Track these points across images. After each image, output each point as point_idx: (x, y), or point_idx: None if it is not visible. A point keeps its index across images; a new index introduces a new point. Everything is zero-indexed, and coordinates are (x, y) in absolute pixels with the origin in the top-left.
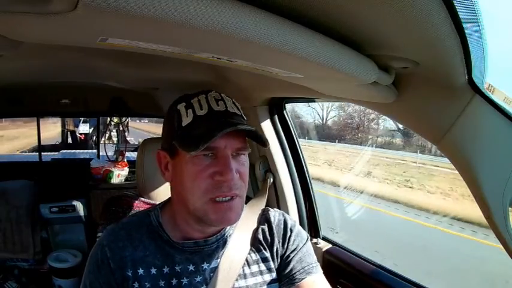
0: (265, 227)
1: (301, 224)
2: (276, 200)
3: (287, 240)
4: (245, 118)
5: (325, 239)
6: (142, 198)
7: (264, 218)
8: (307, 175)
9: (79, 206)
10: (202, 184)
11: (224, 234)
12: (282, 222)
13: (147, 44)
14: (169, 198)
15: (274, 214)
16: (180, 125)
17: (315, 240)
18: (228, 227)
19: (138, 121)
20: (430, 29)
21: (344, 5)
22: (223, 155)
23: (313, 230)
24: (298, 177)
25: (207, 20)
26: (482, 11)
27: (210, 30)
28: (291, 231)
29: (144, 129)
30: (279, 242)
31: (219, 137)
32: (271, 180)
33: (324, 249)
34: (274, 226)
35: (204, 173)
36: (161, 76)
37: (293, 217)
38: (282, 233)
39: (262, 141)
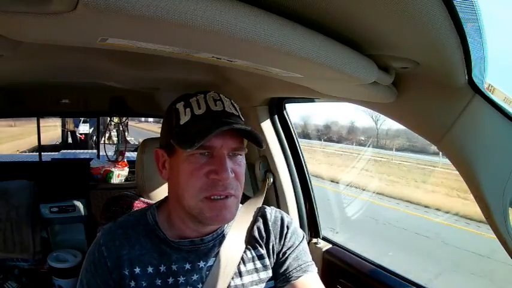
0: (261, 224)
1: (301, 224)
2: (276, 200)
3: (284, 237)
4: (243, 119)
5: (325, 239)
6: (142, 198)
7: (260, 216)
8: (307, 175)
9: (79, 205)
10: (197, 182)
11: (220, 233)
12: (279, 219)
13: (147, 44)
14: (166, 197)
15: (271, 211)
16: (178, 123)
17: (315, 240)
18: (225, 226)
19: (146, 121)
20: (430, 29)
21: (344, 5)
22: (219, 154)
23: (313, 230)
24: (298, 177)
25: (207, 20)
26: (482, 11)
27: (210, 30)
28: (288, 228)
29: (147, 128)
30: (275, 239)
31: (216, 137)
32: (271, 180)
33: (324, 249)
34: (270, 223)
35: (200, 171)
36: (161, 76)
37: (293, 217)
38: (278, 230)
39: (259, 142)
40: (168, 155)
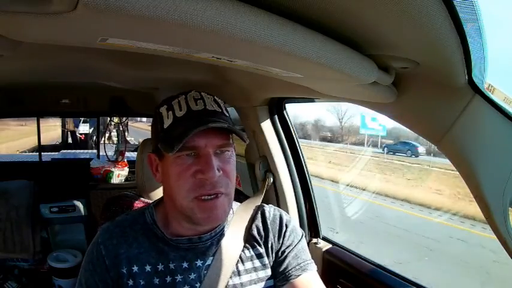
0: (260, 223)
1: (301, 224)
2: (276, 200)
3: (282, 235)
4: (227, 115)
5: (325, 239)
6: (142, 198)
7: (259, 214)
8: (307, 175)
9: (79, 205)
10: (185, 183)
11: (219, 231)
12: (278, 217)
13: (147, 44)
14: (163, 196)
15: (270, 210)
16: (162, 127)
17: (315, 240)
18: (223, 224)
19: (141, 121)
20: (430, 29)
21: (344, 4)
22: (205, 154)
23: (313, 230)
24: (298, 177)
25: (207, 20)
26: (482, 11)
27: (210, 30)
28: (287, 226)
29: (145, 128)
30: (274, 237)
31: (199, 136)
32: (271, 180)
33: (324, 249)
34: (269, 222)
35: (187, 172)
36: (161, 76)
37: (293, 217)
38: (277, 228)
39: (241, 137)
40: (159, 159)
